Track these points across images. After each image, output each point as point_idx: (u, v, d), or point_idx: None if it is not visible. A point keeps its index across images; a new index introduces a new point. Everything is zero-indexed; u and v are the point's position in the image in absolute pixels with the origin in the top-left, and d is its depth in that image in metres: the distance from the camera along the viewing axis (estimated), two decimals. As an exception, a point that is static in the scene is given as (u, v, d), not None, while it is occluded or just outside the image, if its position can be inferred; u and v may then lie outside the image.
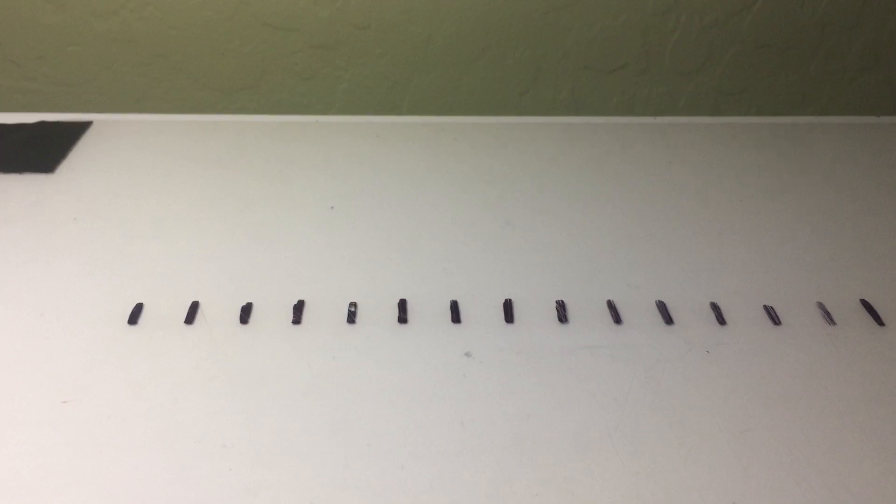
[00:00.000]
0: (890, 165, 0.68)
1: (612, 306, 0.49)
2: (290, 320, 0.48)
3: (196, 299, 0.49)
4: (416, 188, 0.62)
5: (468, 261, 0.49)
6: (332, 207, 0.60)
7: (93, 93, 0.85)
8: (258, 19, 0.82)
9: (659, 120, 0.77)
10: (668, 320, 0.48)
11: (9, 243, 0.54)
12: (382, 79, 0.86)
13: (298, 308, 0.49)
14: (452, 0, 0.82)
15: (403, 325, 0.48)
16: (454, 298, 0.50)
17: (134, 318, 0.48)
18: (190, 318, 0.48)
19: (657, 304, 0.50)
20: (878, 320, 0.49)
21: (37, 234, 0.56)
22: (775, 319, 0.49)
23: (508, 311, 0.49)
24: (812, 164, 0.62)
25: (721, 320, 0.49)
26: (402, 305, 0.49)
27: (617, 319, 0.48)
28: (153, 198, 0.61)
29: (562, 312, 0.49)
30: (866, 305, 0.50)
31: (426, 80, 0.86)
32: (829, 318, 0.49)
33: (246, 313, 0.48)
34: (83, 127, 0.71)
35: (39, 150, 0.66)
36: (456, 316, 0.49)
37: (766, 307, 0.50)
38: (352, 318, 0.48)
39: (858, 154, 0.66)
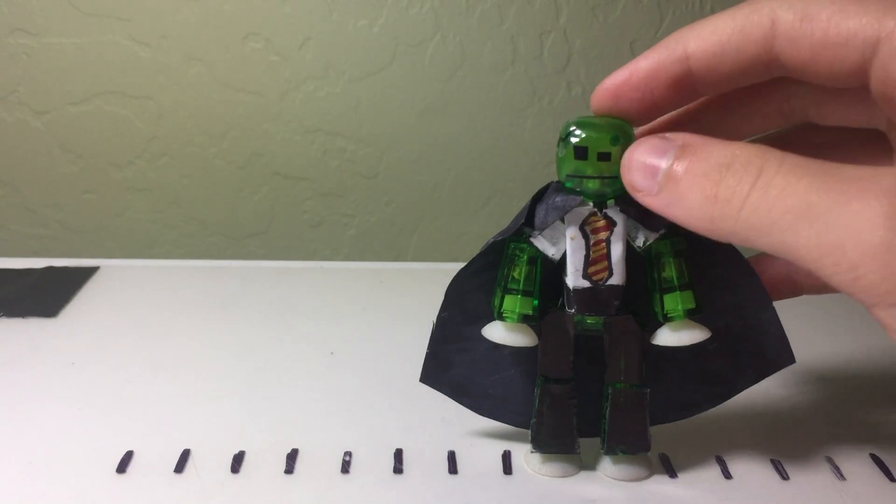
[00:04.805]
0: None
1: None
2: (283, 469, 0.46)
3: (188, 447, 0.48)
4: (417, 334, 0.61)
5: (465, 412, 0.48)
6: (332, 353, 0.60)
7: (104, 239, 0.87)
8: (269, 168, 0.85)
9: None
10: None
11: (3, 388, 0.54)
12: (389, 225, 0.87)
13: (292, 457, 0.47)
14: (458, 150, 0.84)
15: (399, 476, 0.46)
16: (451, 449, 0.49)
17: (123, 466, 0.46)
18: (180, 466, 0.47)
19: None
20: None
21: (33, 378, 0.55)
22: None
23: (506, 461, 0.47)
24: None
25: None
26: (398, 455, 0.48)
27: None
28: (152, 342, 0.61)
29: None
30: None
31: (432, 226, 0.87)
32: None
33: (238, 462, 0.47)
34: (89, 272, 0.72)
35: (45, 294, 0.67)
36: (453, 467, 0.47)
37: None
38: (346, 467, 0.47)
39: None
